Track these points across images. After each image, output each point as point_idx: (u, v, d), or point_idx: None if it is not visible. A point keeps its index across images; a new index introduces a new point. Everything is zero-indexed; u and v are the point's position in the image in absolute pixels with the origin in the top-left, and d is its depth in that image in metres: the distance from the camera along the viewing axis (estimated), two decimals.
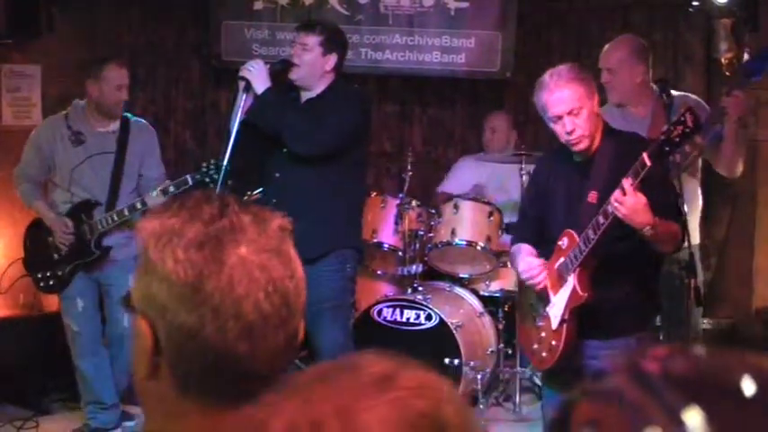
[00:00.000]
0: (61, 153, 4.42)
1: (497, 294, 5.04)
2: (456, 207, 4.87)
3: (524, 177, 4.83)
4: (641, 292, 3.12)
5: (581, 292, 2.99)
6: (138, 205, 4.30)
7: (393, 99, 6.14)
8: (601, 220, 2.86)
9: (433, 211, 4.95)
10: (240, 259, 1.04)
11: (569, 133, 3.02)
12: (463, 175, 5.51)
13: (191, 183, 4.20)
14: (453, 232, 4.83)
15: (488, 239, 4.83)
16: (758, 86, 4.55)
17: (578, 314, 3.03)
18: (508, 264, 4.97)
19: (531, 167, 4.94)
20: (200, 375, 1.06)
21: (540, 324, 3.17)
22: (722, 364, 0.63)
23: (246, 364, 1.05)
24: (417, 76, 5.99)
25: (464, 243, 4.84)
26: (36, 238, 4.48)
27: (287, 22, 5.75)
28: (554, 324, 3.08)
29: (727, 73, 4.68)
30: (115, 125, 4.50)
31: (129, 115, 4.58)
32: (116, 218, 4.35)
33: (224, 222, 1.06)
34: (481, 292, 5.06)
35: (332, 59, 3.82)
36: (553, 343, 3.09)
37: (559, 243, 3.08)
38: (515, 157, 4.98)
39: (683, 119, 2.68)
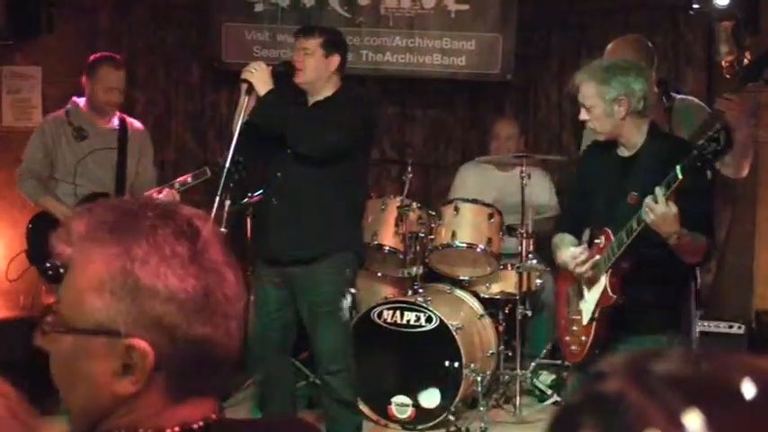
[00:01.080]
0: (65, 148, 4.49)
1: (498, 297, 5.04)
2: (456, 209, 4.86)
3: (525, 180, 4.83)
4: (674, 293, 3.16)
5: (612, 294, 3.02)
6: (155, 195, 4.37)
7: (393, 101, 6.14)
8: (634, 225, 2.89)
9: (434, 213, 4.95)
10: (218, 263, 1.10)
11: (584, 121, 3.15)
12: (466, 182, 5.50)
13: (209, 174, 4.30)
14: (454, 234, 4.83)
15: (489, 242, 4.82)
16: (758, 89, 4.55)
17: (609, 312, 3.06)
18: (509, 266, 4.98)
19: (532, 170, 4.98)
20: (198, 378, 1.10)
21: (574, 317, 3.21)
22: (722, 366, 0.63)
23: (234, 357, 1.13)
24: (418, 79, 5.99)
25: (464, 245, 4.84)
26: (42, 230, 4.50)
27: (287, 24, 5.75)
28: (584, 320, 3.13)
29: (728, 75, 4.67)
30: (114, 123, 4.59)
31: (124, 117, 4.66)
32: None
33: (190, 231, 1.10)
34: (481, 295, 5.05)
35: (335, 60, 3.83)
36: (583, 338, 3.14)
37: (596, 240, 3.11)
38: (516, 159, 4.98)
39: (716, 136, 2.68)
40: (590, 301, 3.12)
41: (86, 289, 1.07)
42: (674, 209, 2.77)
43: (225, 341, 1.10)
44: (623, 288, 3.03)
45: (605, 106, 3.04)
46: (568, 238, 3.31)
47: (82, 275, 1.08)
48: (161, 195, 4.38)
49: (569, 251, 3.20)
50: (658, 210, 2.77)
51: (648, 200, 2.80)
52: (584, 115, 3.11)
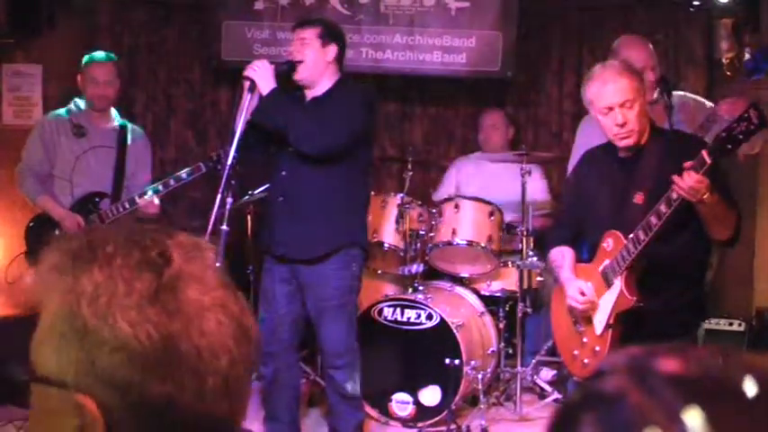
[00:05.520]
0: (64, 143, 4.51)
1: (498, 294, 5.04)
2: (457, 206, 4.86)
3: (525, 177, 4.83)
4: (685, 297, 3.06)
5: (629, 296, 2.92)
6: (150, 192, 4.37)
7: (394, 99, 6.14)
8: (653, 220, 2.79)
9: (434, 210, 4.95)
10: (192, 304, 0.89)
11: (621, 125, 2.94)
12: (458, 177, 5.50)
13: (204, 170, 4.29)
14: (454, 232, 4.83)
15: (489, 239, 4.82)
16: (759, 86, 4.54)
17: (626, 318, 2.96)
18: (509, 263, 4.98)
19: (532, 167, 4.98)
20: None
21: (582, 329, 3.10)
22: (723, 364, 0.63)
23: (223, 425, 0.91)
24: (418, 76, 5.98)
25: (465, 243, 4.83)
26: (40, 231, 4.51)
27: (287, 22, 5.75)
28: (598, 329, 3.01)
29: (728, 73, 4.67)
30: (114, 124, 4.60)
31: (126, 123, 4.66)
32: (127, 206, 4.42)
33: (159, 261, 0.90)
34: (482, 292, 5.05)
35: (332, 50, 3.82)
36: (597, 348, 3.02)
37: (603, 245, 3.00)
38: (516, 156, 4.98)
39: (746, 115, 2.61)
40: (603, 308, 3.00)
41: (44, 329, 0.90)
42: (705, 180, 2.68)
43: (196, 403, 0.87)
44: (640, 290, 2.93)
45: (644, 100, 2.98)
46: (569, 255, 3.19)
47: (44, 313, 0.91)
48: (140, 201, 4.36)
49: (576, 285, 3.07)
50: (686, 182, 2.67)
51: (675, 177, 2.71)
52: (621, 117, 2.95)
